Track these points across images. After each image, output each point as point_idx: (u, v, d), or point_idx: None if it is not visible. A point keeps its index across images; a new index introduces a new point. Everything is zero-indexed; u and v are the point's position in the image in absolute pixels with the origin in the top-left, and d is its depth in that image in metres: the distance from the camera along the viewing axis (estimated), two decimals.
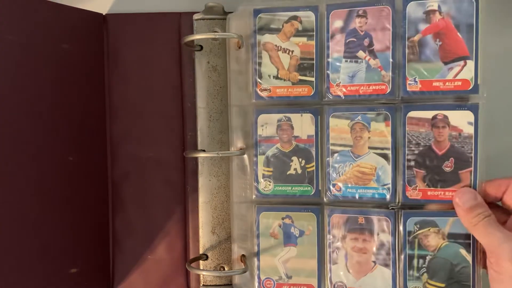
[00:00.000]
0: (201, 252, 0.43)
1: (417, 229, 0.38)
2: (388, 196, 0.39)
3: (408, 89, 0.38)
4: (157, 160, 0.45)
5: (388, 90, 0.38)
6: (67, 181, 0.41)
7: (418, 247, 0.38)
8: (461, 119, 0.37)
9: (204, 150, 0.42)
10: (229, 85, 0.42)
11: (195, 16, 0.43)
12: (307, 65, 0.39)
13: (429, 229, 0.38)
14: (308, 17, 0.39)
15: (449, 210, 0.38)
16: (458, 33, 0.37)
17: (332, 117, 0.39)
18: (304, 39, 0.40)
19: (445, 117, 0.37)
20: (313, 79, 0.39)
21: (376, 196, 0.39)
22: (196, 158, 0.43)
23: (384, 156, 0.38)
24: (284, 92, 0.40)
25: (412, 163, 0.38)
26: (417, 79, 0.38)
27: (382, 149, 0.39)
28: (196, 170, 0.43)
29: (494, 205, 0.38)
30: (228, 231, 0.43)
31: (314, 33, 0.39)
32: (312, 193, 0.40)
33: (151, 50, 0.44)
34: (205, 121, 0.43)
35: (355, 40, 0.39)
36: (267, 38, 0.40)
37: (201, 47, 0.42)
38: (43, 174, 0.40)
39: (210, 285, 0.43)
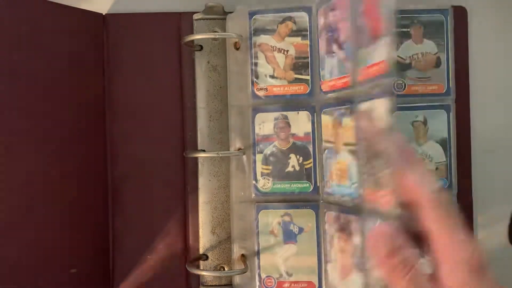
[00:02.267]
0: (201, 252, 0.43)
1: None
2: (356, 195, 0.34)
3: (358, 79, 0.32)
4: (157, 160, 0.44)
5: (350, 83, 0.35)
6: (67, 181, 0.41)
7: None
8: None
9: (204, 150, 0.43)
10: (229, 85, 0.43)
11: (195, 16, 0.43)
12: (302, 63, 0.40)
13: None
14: (301, 17, 0.40)
15: None
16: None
17: (323, 114, 0.39)
18: (298, 39, 0.40)
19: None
20: (308, 77, 0.40)
21: (350, 195, 0.35)
22: (196, 158, 0.43)
23: (352, 153, 0.35)
24: (281, 91, 0.41)
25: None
26: (361, 67, 0.31)
27: (351, 145, 0.35)
28: (196, 170, 0.43)
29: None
30: (228, 231, 0.43)
31: (308, 32, 0.40)
32: (310, 190, 0.40)
33: (151, 50, 0.45)
34: (205, 121, 0.43)
35: (331, 34, 0.38)
36: (262, 39, 0.41)
37: (201, 47, 0.43)
38: (43, 174, 0.40)
39: (210, 285, 0.43)
